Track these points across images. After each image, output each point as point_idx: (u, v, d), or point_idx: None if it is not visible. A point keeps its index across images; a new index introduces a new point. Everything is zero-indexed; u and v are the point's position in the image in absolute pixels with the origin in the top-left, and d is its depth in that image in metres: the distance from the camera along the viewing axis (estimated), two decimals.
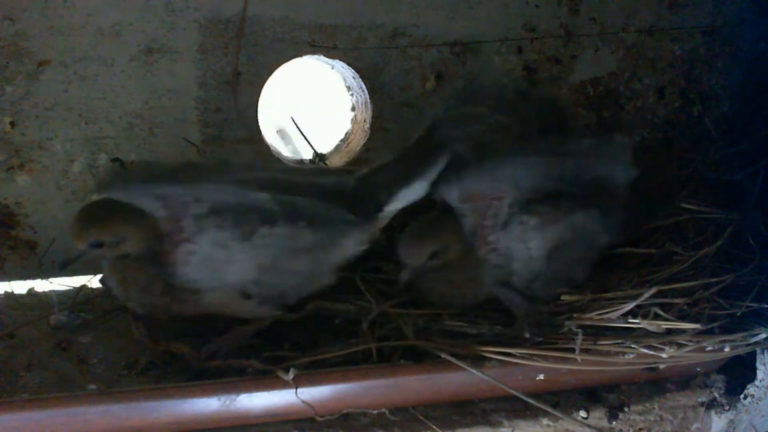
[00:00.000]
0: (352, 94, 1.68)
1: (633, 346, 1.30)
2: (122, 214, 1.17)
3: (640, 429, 1.39)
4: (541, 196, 1.34)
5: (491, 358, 1.27)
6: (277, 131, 2.28)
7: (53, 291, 1.46)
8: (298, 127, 1.66)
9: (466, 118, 1.49)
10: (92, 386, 1.23)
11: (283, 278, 1.26)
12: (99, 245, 1.16)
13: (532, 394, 1.30)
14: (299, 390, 1.20)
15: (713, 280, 1.42)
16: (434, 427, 1.28)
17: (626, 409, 1.38)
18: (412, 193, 1.32)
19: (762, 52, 1.80)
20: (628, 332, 1.33)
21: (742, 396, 1.43)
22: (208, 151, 1.52)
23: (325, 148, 1.71)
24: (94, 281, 1.44)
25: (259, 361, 1.23)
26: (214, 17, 1.45)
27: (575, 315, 1.36)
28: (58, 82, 1.41)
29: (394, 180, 1.32)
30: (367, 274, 1.42)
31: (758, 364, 1.43)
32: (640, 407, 1.39)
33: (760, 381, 1.42)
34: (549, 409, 1.31)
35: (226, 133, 1.52)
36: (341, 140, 1.73)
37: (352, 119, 1.71)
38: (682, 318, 1.34)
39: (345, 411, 1.26)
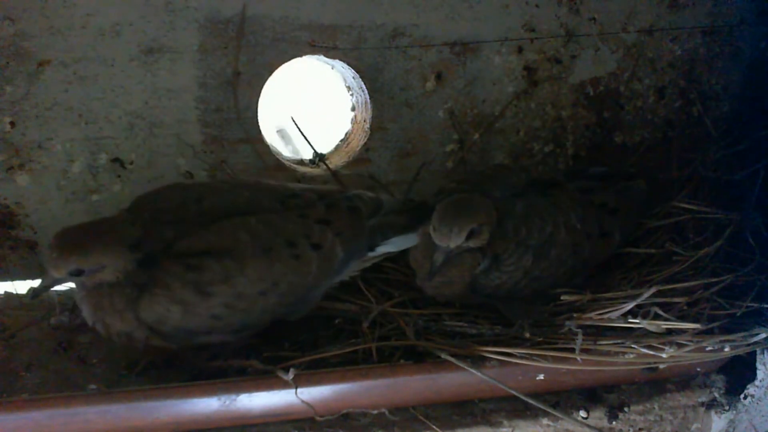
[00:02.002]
0: (352, 94, 1.68)
1: (633, 346, 1.30)
2: (102, 240, 1.13)
3: (640, 429, 1.39)
4: None
5: (491, 358, 1.27)
6: (277, 131, 2.29)
7: (54, 291, 1.45)
8: (298, 127, 1.65)
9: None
10: (92, 386, 1.23)
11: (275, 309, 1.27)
12: (79, 273, 1.12)
13: (532, 394, 1.30)
14: (299, 390, 1.20)
15: (713, 280, 1.43)
16: (434, 427, 1.28)
17: (626, 409, 1.38)
18: (403, 241, 1.39)
19: (762, 52, 1.80)
20: (628, 332, 1.33)
21: (742, 396, 1.43)
22: (208, 151, 1.52)
23: (325, 148, 1.71)
24: None
25: (259, 361, 1.23)
26: (214, 17, 1.45)
27: (575, 315, 1.37)
28: (58, 82, 1.41)
29: (390, 226, 1.37)
30: (367, 273, 1.42)
31: (758, 364, 1.43)
32: (640, 407, 1.39)
33: (760, 381, 1.42)
34: (549, 409, 1.31)
35: (226, 133, 1.52)
36: (341, 140, 1.73)
37: (352, 119, 1.71)
38: (682, 318, 1.34)
39: (345, 411, 1.26)
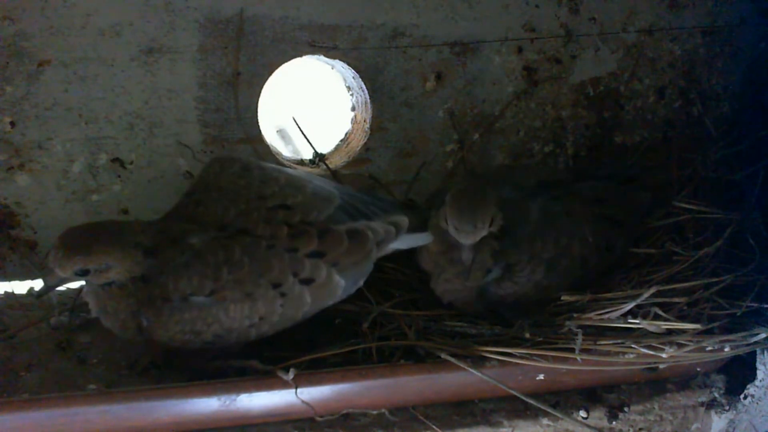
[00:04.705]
0: (352, 94, 1.68)
1: (633, 346, 1.30)
2: (107, 240, 1.12)
3: (640, 429, 1.39)
4: None
5: (491, 358, 1.27)
6: (277, 131, 2.29)
7: (53, 291, 1.45)
8: (298, 127, 1.66)
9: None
10: (92, 386, 1.23)
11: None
12: (84, 273, 1.12)
13: (532, 394, 1.30)
14: (299, 390, 1.20)
15: (713, 280, 1.42)
16: (434, 427, 1.28)
17: (626, 409, 1.38)
18: (413, 240, 1.38)
19: (762, 52, 1.80)
20: (628, 332, 1.33)
21: (742, 396, 1.43)
22: (208, 151, 1.52)
23: (325, 148, 1.71)
24: None
25: (259, 361, 1.23)
26: (214, 17, 1.45)
27: (575, 315, 1.37)
28: (58, 82, 1.41)
29: (398, 224, 1.36)
30: None
31: (758, 364, 1.43)
32: (640, 407, 1.39)
33: (760, 381, 1.42)
34: (549, 409, 1.31)
35: (226, 133, 1.52)
36: (341, 140, 1.73)
37: (352, 119, 1.71)
38: (682, 318, 1.34)
39: (345, 411, 1.26)
